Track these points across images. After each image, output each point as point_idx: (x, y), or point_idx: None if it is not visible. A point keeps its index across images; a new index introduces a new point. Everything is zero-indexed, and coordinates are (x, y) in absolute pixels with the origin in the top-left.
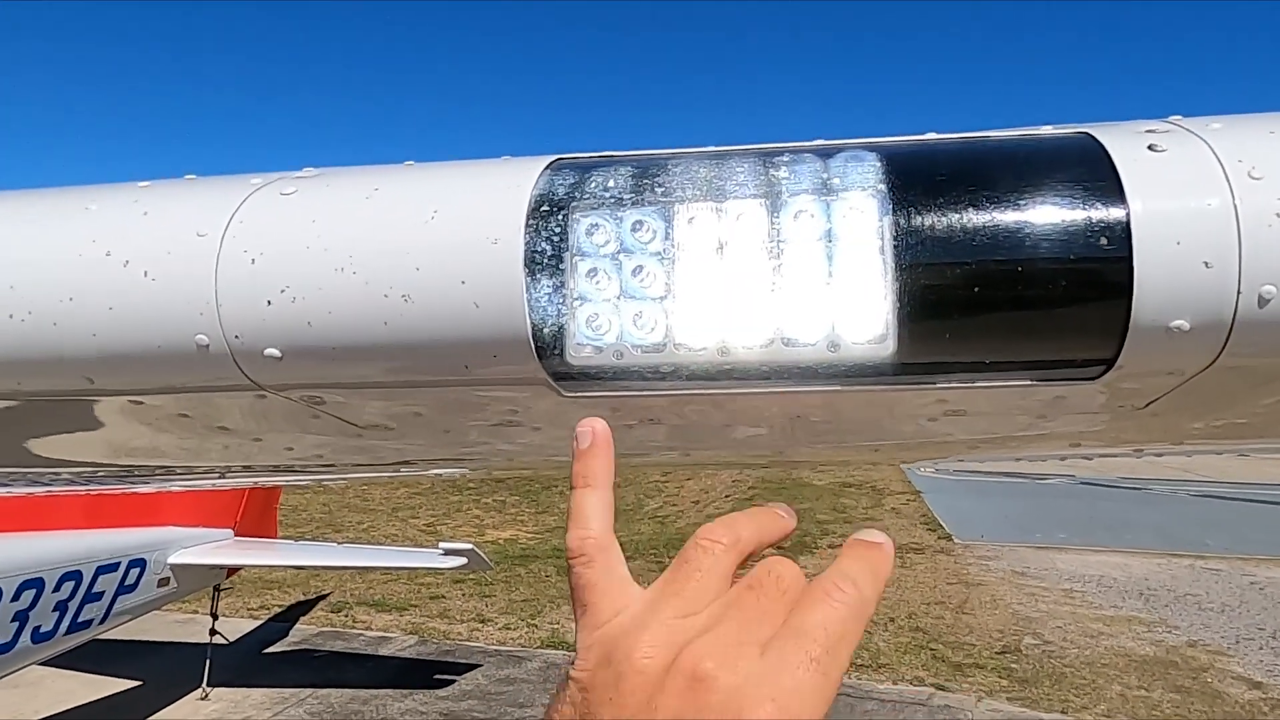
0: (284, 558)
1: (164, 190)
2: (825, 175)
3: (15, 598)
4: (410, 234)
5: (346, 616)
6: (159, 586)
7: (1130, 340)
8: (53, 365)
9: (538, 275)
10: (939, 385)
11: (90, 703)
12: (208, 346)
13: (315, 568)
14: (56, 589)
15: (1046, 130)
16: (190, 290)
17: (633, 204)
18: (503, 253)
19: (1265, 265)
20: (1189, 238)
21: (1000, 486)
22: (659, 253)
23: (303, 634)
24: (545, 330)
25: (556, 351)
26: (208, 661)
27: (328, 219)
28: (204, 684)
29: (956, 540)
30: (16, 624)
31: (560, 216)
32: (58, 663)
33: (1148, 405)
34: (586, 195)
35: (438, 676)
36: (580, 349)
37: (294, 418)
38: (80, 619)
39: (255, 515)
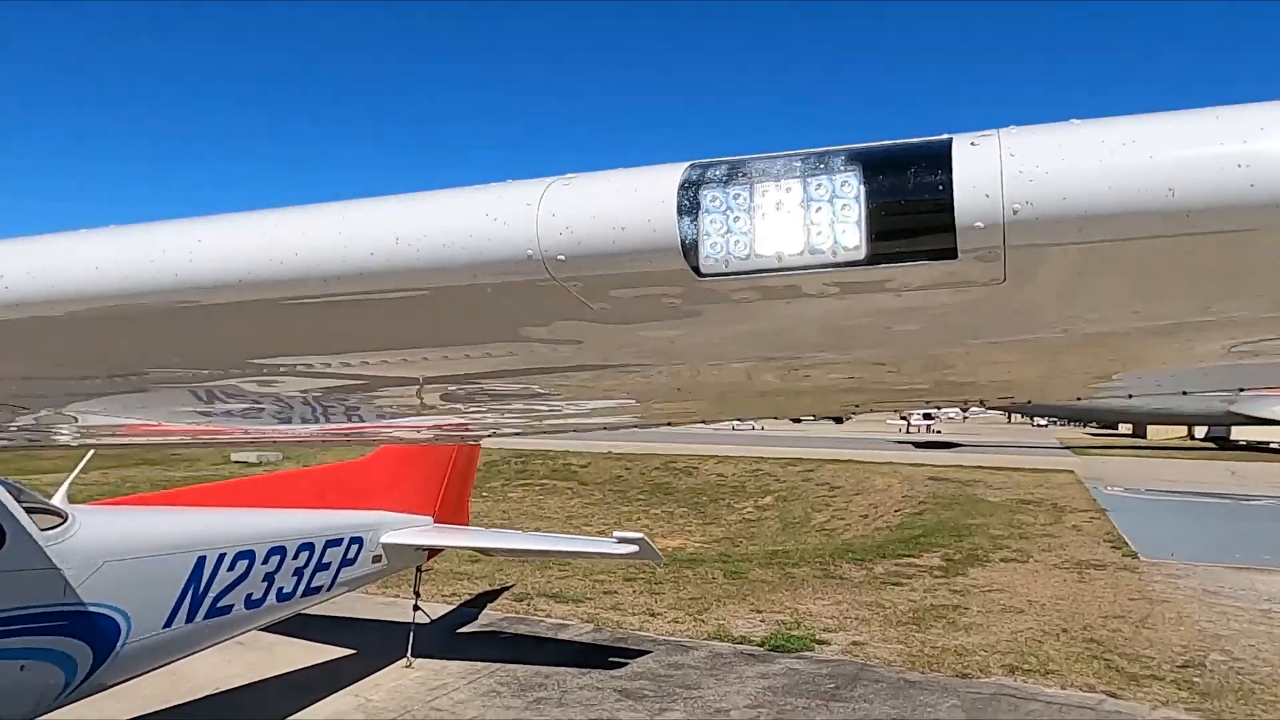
0: (477, 541)
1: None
2: (827, 163)
3: (265, 561)
4: (642, 201)
5: (529, 605)
6: (373, 562)
7: (960, 236)
8: (441, 272)
9: (683, 218)
10: (882, 267)
11: (315, 665)
12: (530, 255)
13: (504, 550)
14: (295, 556)
15: (936, 136)
16: (526, 230)
17: (727, 182)
18: (668, 208)
19: (1013, 194)
20: (979, 181)
21: (1198, 507)
22: (745, 208)
23: (491, 618)
24: (688, 246)
25: (694, 259)
26: (411, 636)
27: (601, 199)
28: (408, 655)
29: (1143, 558)
30: (265, 584)
31: (694, 189)
32: (286, 633)
33: (990, 283)
34: (704, 178)
35: (611, 659)
36: (706, 259)
37: (570, 307)
38: (312, 584)
39: (451, 505)
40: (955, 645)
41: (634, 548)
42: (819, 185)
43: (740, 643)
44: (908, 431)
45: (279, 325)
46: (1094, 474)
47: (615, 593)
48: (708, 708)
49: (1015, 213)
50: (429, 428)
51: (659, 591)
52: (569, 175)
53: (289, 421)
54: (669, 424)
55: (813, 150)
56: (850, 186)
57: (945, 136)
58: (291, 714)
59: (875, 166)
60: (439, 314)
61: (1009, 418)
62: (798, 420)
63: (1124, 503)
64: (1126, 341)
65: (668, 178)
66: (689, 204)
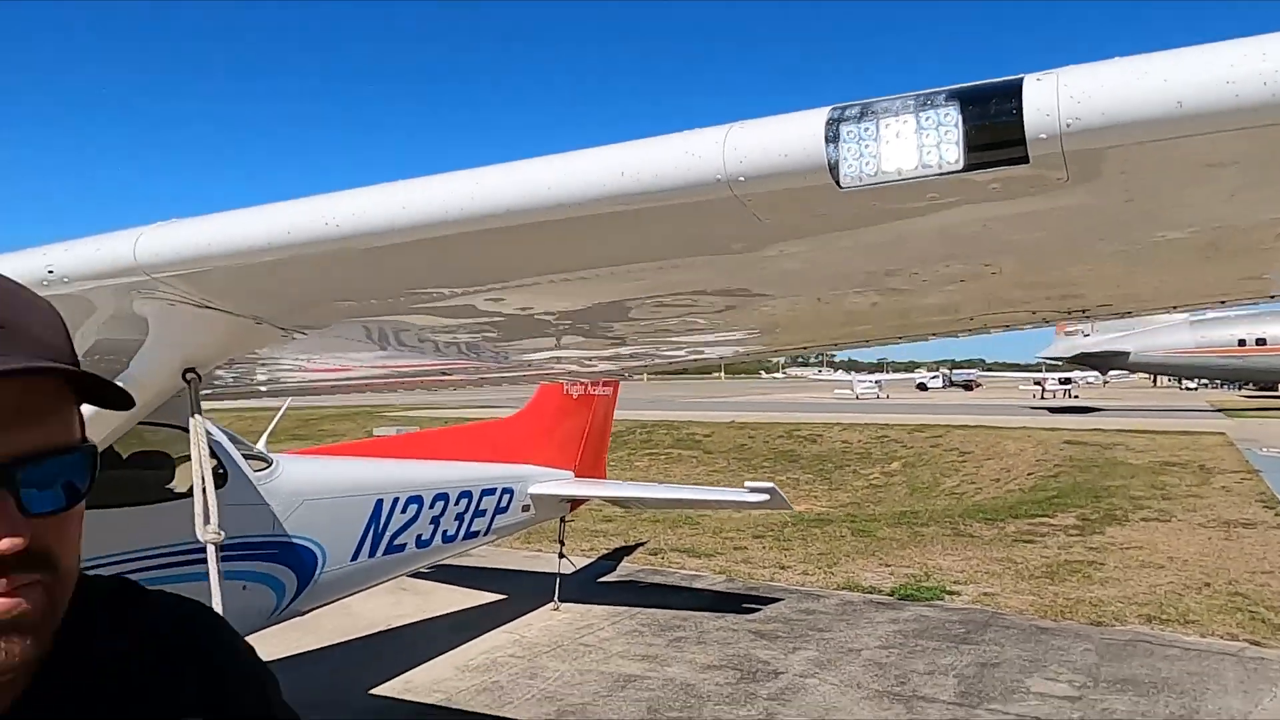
0: (615, 491)
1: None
2: (932, 100)
3: (431, 505)
4: (798, 135)
5: (663, 559)
6: (522, 511)
7: (1029, 145)
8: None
9: (828, 145)
10: (975, 173)
11: (471, 607)
12: (721, 180)
13: (640, 500)
14: (456, 503)
15: (1010, 76)
16: (715, 160)
17: (859, 119)
18: (817, 139)
19: (1066, 113)
20: (1041, 105)
21: None
22: (873, 136)
23: (628, 570)
24: (832, 166)
25: (836, 176)
26: (557, 583)
27: (768, 135)
28: (555, 599)
29: None
30: (432, 526)
31: (835, 125)
32: (443, 580)
33: (1057, 182)
34: (843, 116)
35: (745, 605)
36: (845, 176)
37: (744, 222)
38: (471, 529)
39: (590, 461)
40: (1090, 597)
41: (765, 496)
42: (928, 117)
43: (870, 592)
44: (1042, 397)
45: (542, 243)
46: (1248, 436)
47: (745, 548)
48: (840, 647)
49: (1069, 126)
50: (597, 358)
51: (788, 547)
52: (743, 121)
53: (478, 355)
54: (805, 347)
55: (922, 91)
56: (950, 116)
57: (1017, 76)
58: (454, 647)
59: (967, 100)
60: (643, 231)
61: (1155, 381)
62: (924, 388)
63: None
64: (1188, 244)
65: (816, 117)
66: (832, 135)
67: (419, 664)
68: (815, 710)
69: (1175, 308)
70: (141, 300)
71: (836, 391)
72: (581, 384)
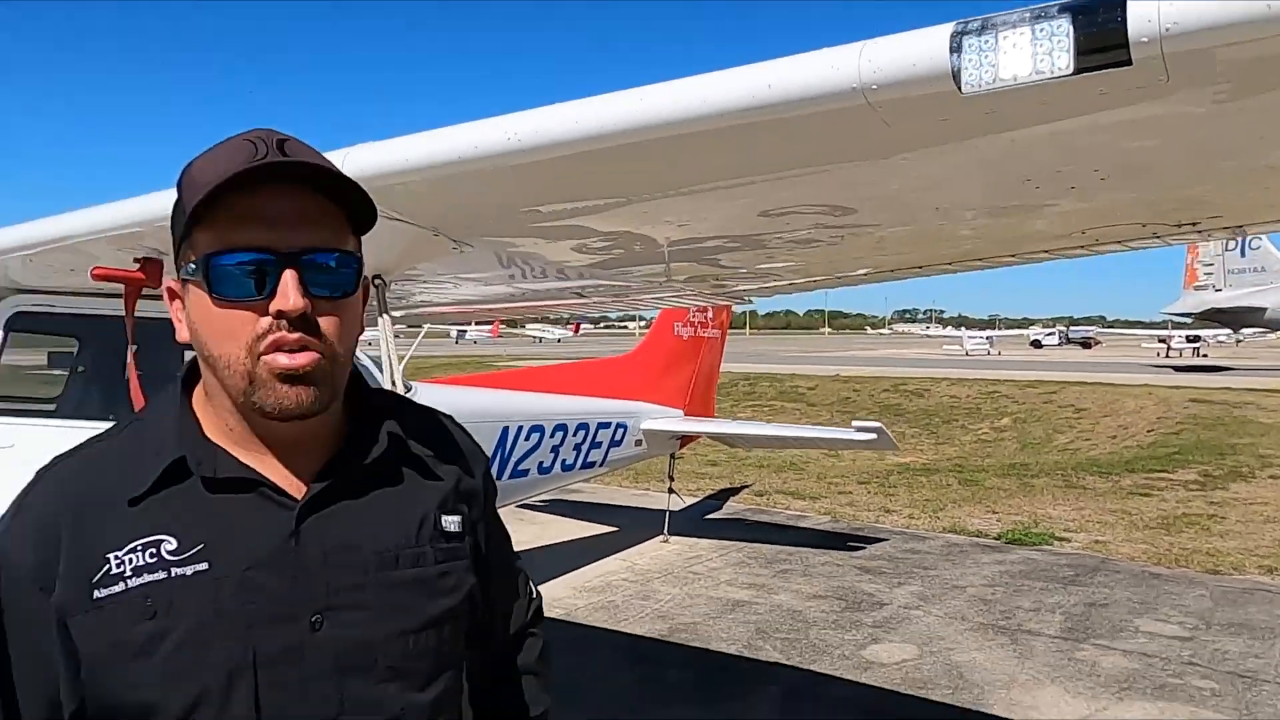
0: (723, 428)
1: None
2: (1046, 12)
3: (551, 435)
4: (928, 47)
5: (768, 500)
6: (635, 445)
7: (1132, 49)
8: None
9: (952, 55)
10: (1083, 75)
11: (585, 537)
12: (855, 88)
13: (748, 437)
14: (574, 434)
15: None
16: (851, 71)
17: (980, 32)
18: (943, 50)
19: (1165, 18)
20: (1143, 12)
21: None
22: (991, 48)
23: (734, 509)
24: (955, 74)
25: (959, 83)
26: (666, 516)
27: (901, 49)
28: (665, 532)
29: None
30: (552, 454)
31: (959, 38)
32: (558, 513)
33: (1158, 82)
34: (965, 30)
35: (849, 544)
36: (966, 83)
37: (875, 130)
38: (588, 460)
39: (699, 400)
40: (1207, 548)
41: (872, 435)
42: (1041, 28)
43: (976, 536)
44: (1166, 356)
45: (695, 153)
46: None
47: (849, 493)
48: (945, 584)
49: (1168, 30)
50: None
51: (892, 493)
52: (875, 38)
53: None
54: (918, 268)
55: (1036, 5)
56: (1062, 27)
57: None
58: (570, 570)
59: (1077, 10)
60: (783, 140)
61: None
62: (1038, 345)
63: None
64: None
65: (942, 32)
66: (955, 47)
67: (538, 584)
68: (919, 638)
69: None
70: None
71: (945, 348)
72: (691, 324)
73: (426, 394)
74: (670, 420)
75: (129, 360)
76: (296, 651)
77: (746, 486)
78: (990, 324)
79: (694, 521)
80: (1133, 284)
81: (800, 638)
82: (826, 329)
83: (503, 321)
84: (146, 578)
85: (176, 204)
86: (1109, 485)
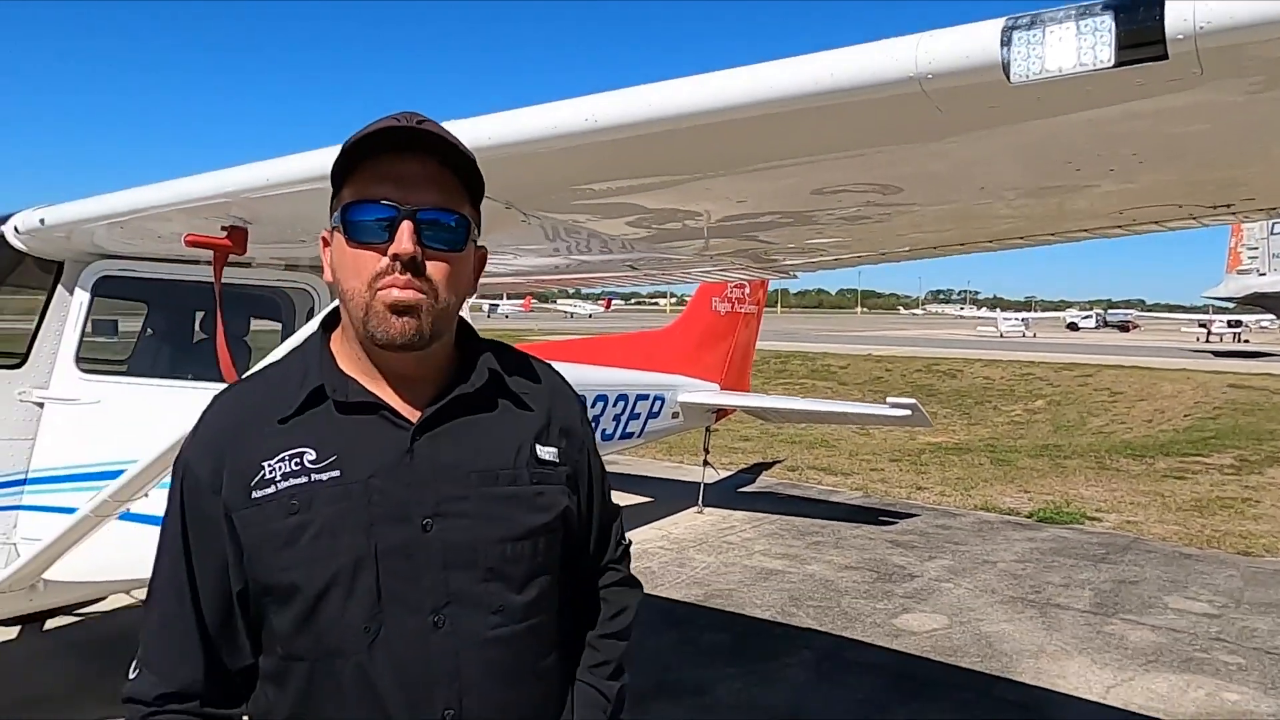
0: (760, 402)
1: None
2: (1090, 9)
3: (592, 405)
4: (980, 41)
5: (800, 475)
6: (672, 418)
7: (1169, 45)
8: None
9: (1003, 48)
10: (1123, 69)
11: (621, 506)
12: (912, 77)
13: (783, 411)
14: (614, 404)
15: None
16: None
17: (1030, 27)
18: (994, 43)
19: (1200, 17)
20: (1179, 11)
21: None
22: (1039, 40)
23: (767, 483)
24: (1005, 66)
25: (1008, 74)
26: (701, 488)
27: (959, 41)
28: (699, 503)
29: None
30: (594, 424)
31: (1009, 32)
32: None
33: (1192, 75)
34: (1016, 25)
35: (881, 519)
36: (1015, 74)
37: (928, 114)
38: (627, 430)
39: (735, 374)
40: (1240, 530)
41: (907, 411)
42: (1086, 24)
43: (1007, 514)
44: (1206, 340)
45: (757, 134)
46: None
47: (881, 470)
48: (975, 559)
49: (1202, 29)
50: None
51: (924, 471)
52: (930, 30)
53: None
54: (961, 245)
55: (1082, 2)
56: (1105, 23)
57: None
58: None
59: (1119, 9)
60: (842, 123)
61: None
62: (1074, 327)
63: None
64: None
65: (993, 26)
66: (1006, 40)
67: None
68: (950, 609)
69: None
70: None
71: (980, 329)
72: (729, 300)
73: None
74: (707, 394)
75: (217, 322)
76: (409, 547)
77: (779, 461)
78: (1026, 305)
79: (727, 494)
80: (1174, 267)
81: (833, 605)
82: (859, 308)
83: (534, 296)
84: (292, 481)
85: (336, 163)
86: (1143, 468)
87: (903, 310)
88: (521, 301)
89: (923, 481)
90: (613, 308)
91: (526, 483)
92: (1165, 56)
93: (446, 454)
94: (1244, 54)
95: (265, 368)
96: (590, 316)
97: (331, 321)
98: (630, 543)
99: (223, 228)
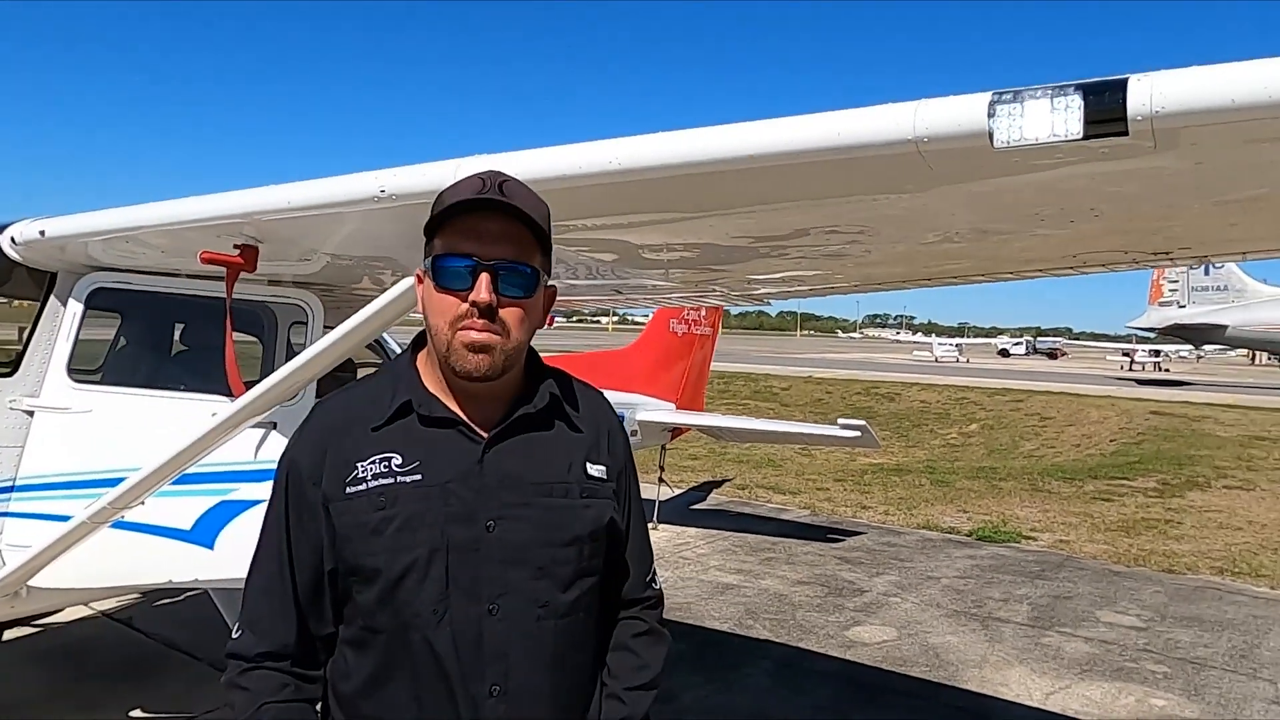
0: (713, 421)
1: None
2: (1064, 90)
3: None
4: (966, 113)
5: (750, 493)
6: (630, 435)
7: (1129, 123)
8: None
9: (989, 119)
10: (1090, 140)
11: None
12: (910, 139)
13: (737, 430)
14: None
15: (1118, 75)
16: (905, 125)
17: (1012, 101)
18: (981, 114)
19: (1156, 101)
20: (1139, 96)
21: None
22: (1020, 114)
23: (718, 500)
24: (990, 134)
25: (992, 140)
26: (657, 504)
27: (948, 109)
28: (654, 519)
29: None
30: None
31: (994, 105)
32: None
33: (1148, 149)
34: (1000, 99)
35: (829, 536)
36: (998, 140)
37: (916, 171)
38: None
39: (689, 394)
40: (1164, 550)
41: (857, 433)
42: (1060, 101)
43: (948, 532)
44: (1130, 369)
45: (768, 179)
46: None
47: (827, 489)
48: (920, 574)
49: (1157, 113)
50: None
51: (868, 491)
52: (926, 99)
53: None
54: (927, 279)
55: (1056, 83)
56: (1076, 101)
57: (1124, 75)
58: None
59: (1089, 90)
60: (845, 175)
61: (1253, 358)
62: (1006, 354)
63: None
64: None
65: (982, 98)
66: (991, 112)
67: None
68: (898, 622)
69: (1246, 255)
70: None
71: (916, 353)
72: (685, 322)
73: None
74: (664, 412)
75: (227, 335)
76: (475, 544)
77: (728, 480)
78: (960, 332)
79: (680, 511)
80: (1099, 298)
81: (788, 618)
82: (798, 331)
83: None
84: (381, 481)
85: (432, 212)
86: (1073, 490)
87: (841, 334)
88: None
89: (867, 501)
90: (555, 325)
91: (577, 496)
92: (1126, 133)
93: (510, 466)
94: (1189, 132)
95: (362, 380)
96: None
97: (420, 342)
98: (662, 589)
99: (235, 245)
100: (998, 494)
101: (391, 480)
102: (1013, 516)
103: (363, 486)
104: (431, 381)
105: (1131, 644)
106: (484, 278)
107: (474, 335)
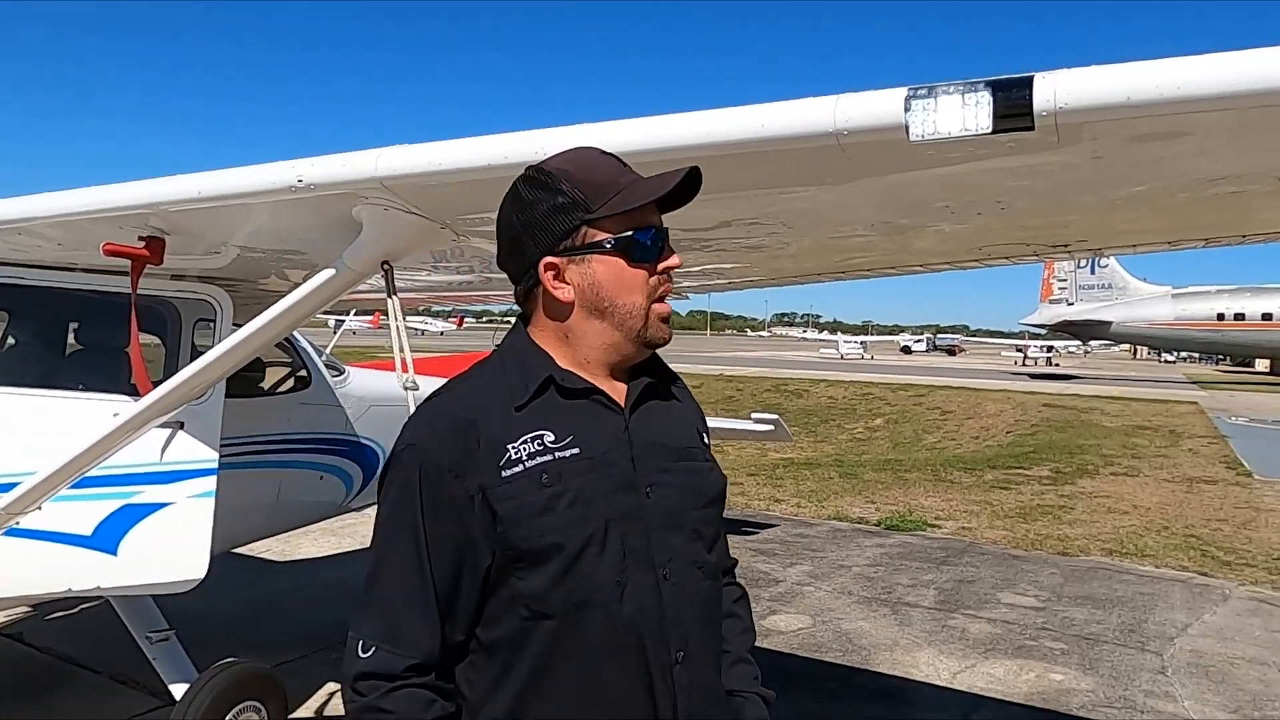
0: None
1: None
2: (974, 86)
3: None
4: (887, 105)
5: None
6: None
7: (1035, 118)
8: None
9: (905, 112)
10: (998, 134)
11: None
12: (830, 132)
13: None
14: None
15: (1026, 73)
16: (826, 118)
17: (926, 96)
18: (898, 107)
19: (1060, 97)
20: (1044, 92)
21: None
22: (933, 109)
23: None
24: (906, 126)
25: (908, 133)
26: None
27: (860, 105)
28: None
29: (1258, 477)
30: None
31: (909, 100)
32: None
33: (1052, 144)
34: (915, 94)
35: (744, 529)
36: (913, 133)
37: (835, 161)
38: None
39: None
40: (1058, 534)
41: (770, 426)
42: (970, 97)
43: (858, 522)
44: (1023, 364)
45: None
46: (1219, 406)
47: (741, 484)
48: (832, 564)
49: (1060, 108)
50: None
51: (780, 484)
52: (847, 93)
53: None
54: (840, 273)
55: (967, 80)
56: (985, 97)
57: (1030, 74)
58: None
59: (997, 86)
60: (767, 165)
61: (1135, 353)
62: (908, 350)
63: (1247, 431)
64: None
65: (898, 94)
66: (907, 106)
67: None
68: (812, 610)
69: (1136, 248)
70: (363, 206)
71: (823, 351)
72: None
73: (359, 378)
74: None
75: (132, 331)
76: (639, 512)
77: None
78: (864, 329)
79: None
80: (995, 296)
81: None
82: (708, 330)
83: (383, 313)
84: (539, 459)
85: (564, 200)
86: (973, 480)
87: (750, 332)
88: (370, 318)
89: (779, 494)
90: (465, 325)
91: (702, 459)
92: (1032, 128)
93: (651, 433)
94: (1089, 128)
95: (474, 368)
96: (442, 334)
97: (524, 324)
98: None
99: (140, 238)
100: (903, 485)
101: (550, 457)
102: (918, 506)
103: (520, 468)
104: (561, 357)
105: (1031, 623)
106: (669, 244)
107: (669, 307)
